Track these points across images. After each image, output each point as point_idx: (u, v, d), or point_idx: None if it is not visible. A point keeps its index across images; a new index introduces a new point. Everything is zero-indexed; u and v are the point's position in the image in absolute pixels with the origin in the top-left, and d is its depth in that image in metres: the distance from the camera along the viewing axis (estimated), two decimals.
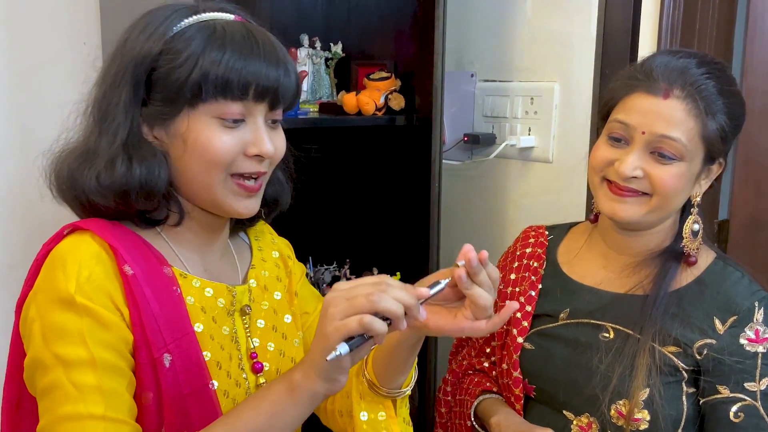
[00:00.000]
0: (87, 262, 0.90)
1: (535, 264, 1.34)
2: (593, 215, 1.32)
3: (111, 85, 0.95)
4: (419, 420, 1.76)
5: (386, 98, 1.76)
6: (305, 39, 1.83)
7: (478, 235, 2.04)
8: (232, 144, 0.94)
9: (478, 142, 1.94)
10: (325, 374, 0.86)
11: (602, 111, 1.25)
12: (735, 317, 1.15)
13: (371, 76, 1.79)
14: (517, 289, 1.33)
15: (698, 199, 1.20)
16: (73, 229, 0.95)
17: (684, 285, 1.20)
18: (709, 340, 1.15)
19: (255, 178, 0.99)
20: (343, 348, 0.82)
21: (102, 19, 1.63)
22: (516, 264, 1.37)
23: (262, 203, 1.08)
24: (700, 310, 1.17)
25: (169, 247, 1.00)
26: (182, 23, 0.94)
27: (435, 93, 1.70)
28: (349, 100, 1.75)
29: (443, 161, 1.75)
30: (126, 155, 0.94)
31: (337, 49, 1.87)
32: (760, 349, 1.14)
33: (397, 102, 1.77)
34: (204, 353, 0.96)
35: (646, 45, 1.58)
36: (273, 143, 0.98)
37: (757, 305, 1.16)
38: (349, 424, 1.07)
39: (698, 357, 1.16)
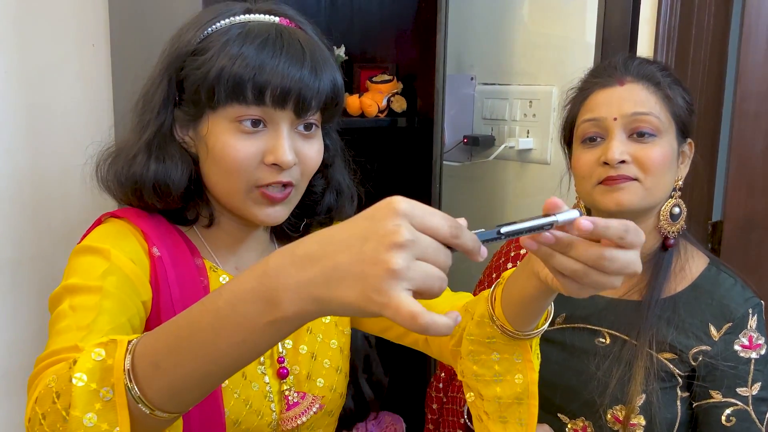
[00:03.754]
0: (120, 240, 0.89)
1: None
2: None
3: (152, 83, 0.94)
4: (418, 415, 1.76)
5: (388, 100, 1.76)
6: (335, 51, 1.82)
7: None
8: (249, 152, 0.88)
9: (477, 144, 1.94)
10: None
11: (565, 130, 1.24)
12: (730, 324, 1.14)
13: (374, 79, 1.79)
14: None
15: (680, 182, 1.19)
16: (111, 216, 0.94)
17: (679, 291, 1.18)
18: (704, 347, 1.14)
19: (283, 185, 0.91)
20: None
21: (111, 21, 1.62)
22: (510, 266, 1.33)
23: (313, 213, 1.05)
24: (696, 316, 1.16)
25: (202, 242, 0.97)
26: (221, 23, 0.91)
27: (436, 95, 1.70)
28: (353, 102, 1.75)
29: (443, 162, 1.75)
30: (147, 152, 0.92)
31: (340, 52, 1.86)
32: (753, 355, 1.13)
33: (399, 104, 1.77)
34: None
35: (644, 50, 1.58)
36: (301, 152, 0.91)
37: (750, 312, 1.15)
38: (459, 359, 0.94)
39: (693, 363, 1.14)
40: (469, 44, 2.00)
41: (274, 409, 0.96)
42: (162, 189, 0.91)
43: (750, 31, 1.53)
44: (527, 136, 1.87)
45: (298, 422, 0.97)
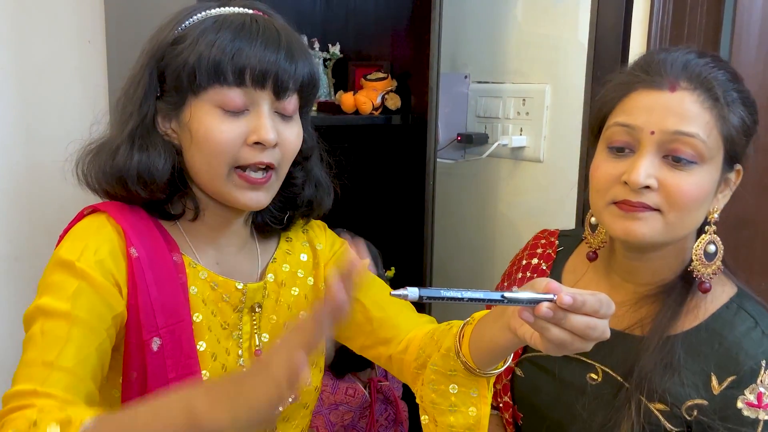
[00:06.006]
0: (96, 240, 0.90)
1: None
2: (592, 252, 1.10)
3: (133, 78, 0.95)
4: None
5: (383, 98, 1.75)
6: (304, 40, 1.81)
7: (470, 232, 2.02)
8: (233, 134, 0.89)
9: (471, 142, 1.92)
10: (249, 426, 0.67)
11: (593, 124, 1.05)
12: (734, 377, 0.95)
13: (368, 77, 1.78)
14: None
15: (716, 215, 0.99)
16: (92, 210, 0.95)
17: (687, 329, 0.99)
18: (700, 401, 0.96)
19: (262, 170, 0.92)
20: (412, 292, 0.70)
21: (107, 18, 1.61)
22: (520, 275, 1.19)
23: (294, 206, 1.06)
24: (698, 362, 0.97)
25: (183, 237, 0.98)
26: (197, 16, 0.93)
27: (430, 93, 1.69)
28: (347, 100, 1.74)
29: (437, 160, 1.75)
30: (129, 143, 0.93)
31: (335, 50, 1.85)
32: (762, 415, 0.93)
33: (394, 102, 1.76)
34: (199, 343, 0.94)
35: (636, 48, 1.57)
36: (281, 134, 0.92)
37: (764, 365, 0.94)
38: (419, 383, 0.99)
39: (688, 418, 0.97)
40: (463, 43, 1.98)
41: None
42: (146, 178, 0.92)
43: (741, 32, 1.52)
44: (520, 134, 1.86)
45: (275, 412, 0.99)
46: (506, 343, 0.85)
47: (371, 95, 1.73)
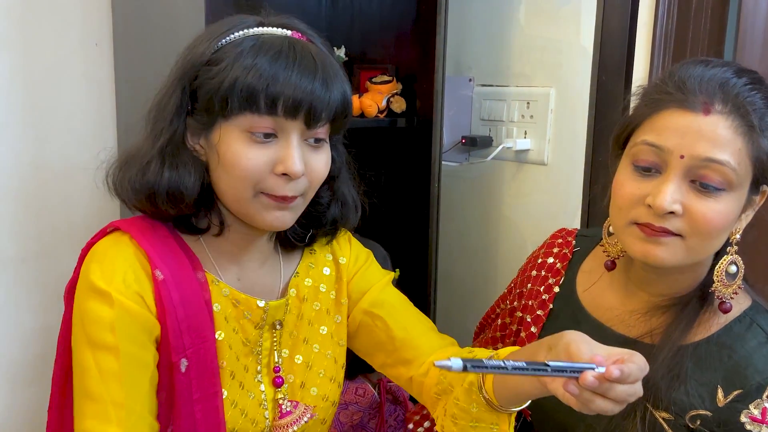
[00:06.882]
0: (122, 264, 0.90)
1: (552, 280, 1.14)
2: (610, 261, 1.08)
3: (165, 92, 0.94)
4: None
5: (388, 101, 1.75)
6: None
7: (474, 233, 2.02)
8: (260, 161, 0.88)
9: (475, 145, 1.92)
10: None
11: (620, 135, 1.01)
12: (740, 391, 0.93)
13: (374, 80, 1.78)
14: (530, 303, 1.15)
15: (737, 236, 0.96)
16: (114, 228, 0.95)
17: (697, 340, 0.98)
18: (704, 412, 0.95)
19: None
20: (456, 363, 0.72)
21: (114, 21, 1.61)
22: (534, 273, 1.18)
23: (319, 224, 1.05)
24: (707, 373, 0.96)
25: (206, 253, 0.98)
26: (235, 35, 0.90)
27: (435, 96, 1.69)
28: (353, 103, 1.74)
29: (442, 162, 1.75)
30: (160, 160, 0.91)
31: (341, 53, 1.85)
32: (765, 431, 0.92)
33: (399, 105, 1.76)
34: (220, 362, 0.94)
35: (641, 52, 1.57)
36: (309, 163, 0.91)
37: None
38: (440, 410, 0.99)
39: (690, 426, 0.96)
40: (468, 46, 1.98)
41: (267, 417, 0.99)
42: (176, 196, 0.91)
43: (746, 36, 1.52)
44: (524, 137, 1.86)
45: (290, 430, 1.00)
46: (533, 392, 0.84)
47: (376, 98, 1.73)
